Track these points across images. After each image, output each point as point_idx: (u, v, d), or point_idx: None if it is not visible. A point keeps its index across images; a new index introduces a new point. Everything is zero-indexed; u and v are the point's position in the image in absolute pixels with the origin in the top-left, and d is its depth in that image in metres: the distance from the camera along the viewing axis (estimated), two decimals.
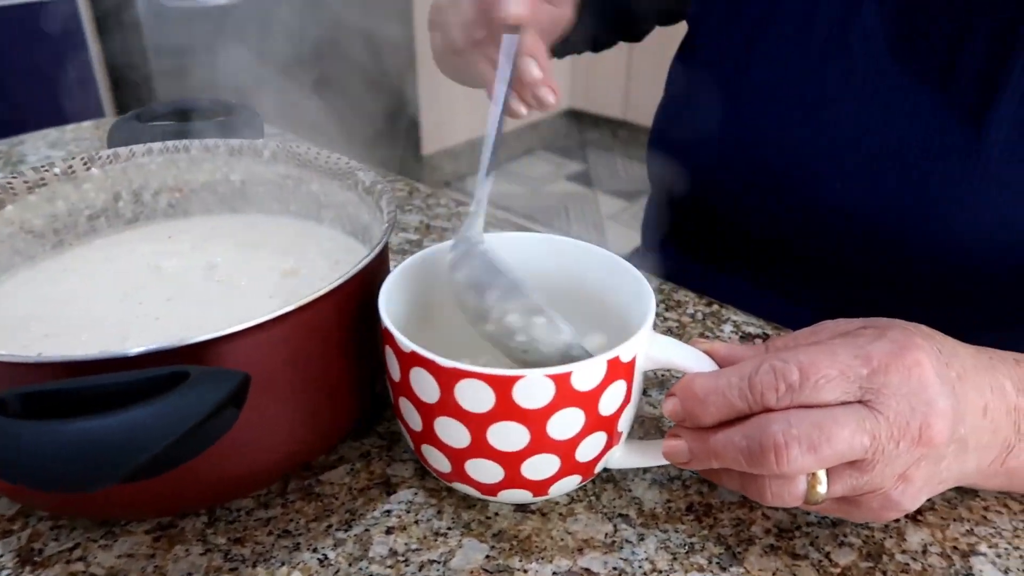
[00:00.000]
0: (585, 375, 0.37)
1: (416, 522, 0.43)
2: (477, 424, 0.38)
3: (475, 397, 0.37)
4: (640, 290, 0.43)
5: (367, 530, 0.42)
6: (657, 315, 0.60)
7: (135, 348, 0.35)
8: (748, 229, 0.64)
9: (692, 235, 0.72)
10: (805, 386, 0.36)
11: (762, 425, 0.37)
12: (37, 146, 0.93)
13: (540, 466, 0.39)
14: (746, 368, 0.38)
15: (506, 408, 0.37)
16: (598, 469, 0.42)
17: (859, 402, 0.36)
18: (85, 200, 0.55)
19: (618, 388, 0.39)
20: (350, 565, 0.40)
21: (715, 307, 0.62)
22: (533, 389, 0.37)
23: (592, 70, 3.31)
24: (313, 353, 0.40)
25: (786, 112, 0.59)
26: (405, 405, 0.40)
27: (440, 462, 0.41)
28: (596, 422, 0.39)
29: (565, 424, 0.38)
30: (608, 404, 0.39)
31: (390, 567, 0.40)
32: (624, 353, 0.38)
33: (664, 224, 0.76)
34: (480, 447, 0.39)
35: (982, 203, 0.52)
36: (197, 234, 0.56)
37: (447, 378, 0.37)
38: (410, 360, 0.38)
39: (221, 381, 0.33)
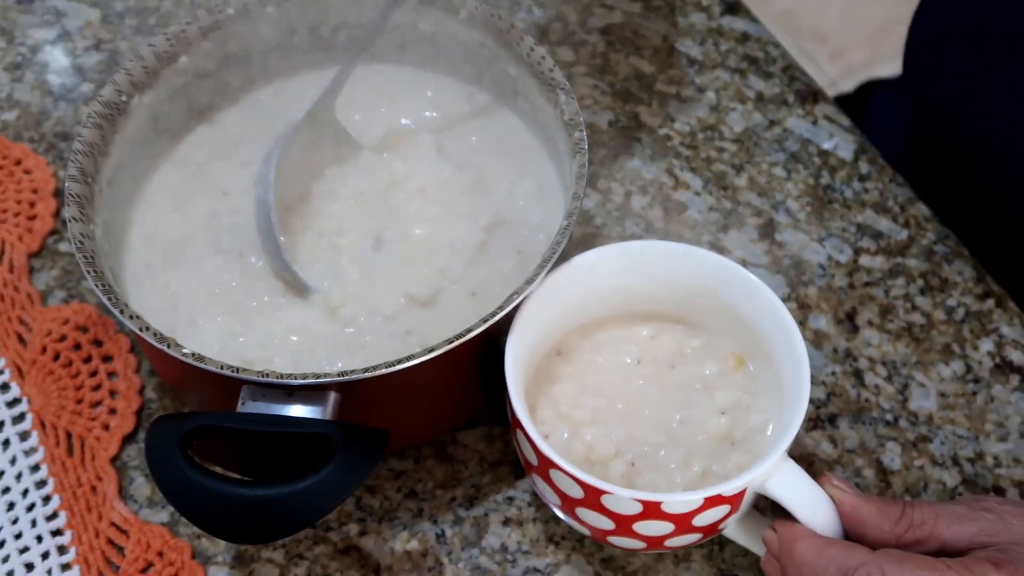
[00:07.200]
0: (677, 505, 0.38)
1: (534, 520, 0.47)
2: (569, 503, 0.41)
3: (568, 484, 0.40)
4: (796, 359, 0.41)
5: (487, 515, 0.47)
6: (907, 300, 0.52)
7: (297, 379, 0.40)
8: None
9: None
10: None
11: None
12: None
13: (653, 528, 0.40)
14: (850, 560, 0.35)
15: (593, 505, 0.40)
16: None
17: None
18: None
19: (718, 512, 0.40)
20: (463, 549, 0.46)
21: (989, 304, 0.52)
22: (619, 504, 0.39)
23: None
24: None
25: None
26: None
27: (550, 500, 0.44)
28: (690, 529, 0.40)
29: (658, 527, 0.40)
30: (707, 519, 0.40)
31: (497, 563, 0.46)
32: (729, 489, 0.39)
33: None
34: (590, 503, 0.40)
35: None
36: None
37: (544, 463, 0.40)
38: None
39: (368, 452, 0.39)
